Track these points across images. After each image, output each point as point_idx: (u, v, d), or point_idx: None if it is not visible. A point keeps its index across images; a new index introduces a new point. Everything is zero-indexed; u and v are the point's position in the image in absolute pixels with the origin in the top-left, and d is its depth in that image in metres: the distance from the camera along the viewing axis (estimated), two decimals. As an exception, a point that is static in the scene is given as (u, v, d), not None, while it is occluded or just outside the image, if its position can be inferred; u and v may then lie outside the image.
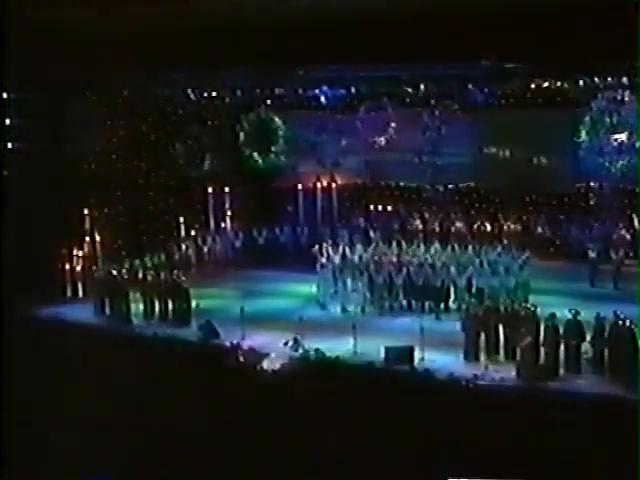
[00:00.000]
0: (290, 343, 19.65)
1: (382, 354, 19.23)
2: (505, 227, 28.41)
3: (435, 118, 29.95)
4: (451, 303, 23.04)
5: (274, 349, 19.73)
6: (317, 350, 19.68)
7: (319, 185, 31.84)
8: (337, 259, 25.70)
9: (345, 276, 24.62)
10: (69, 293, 25.74)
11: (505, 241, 27.12)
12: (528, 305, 19.72)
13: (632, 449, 14.05)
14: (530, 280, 23.46)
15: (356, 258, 25.90)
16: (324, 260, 25.35)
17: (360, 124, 31.00)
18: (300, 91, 30.77)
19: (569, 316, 18.60)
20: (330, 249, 26.17)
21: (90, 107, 27.46)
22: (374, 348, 19.57)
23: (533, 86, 27.80)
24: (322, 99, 30.97)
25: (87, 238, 27.08)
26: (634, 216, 26.72)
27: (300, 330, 20.25)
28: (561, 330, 18.41)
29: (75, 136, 26.52)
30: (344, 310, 23.18)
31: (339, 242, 28.12)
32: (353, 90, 30.39)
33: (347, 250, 26.70)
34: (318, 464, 16.48)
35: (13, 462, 16.26)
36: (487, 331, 19.39)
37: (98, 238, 27.12)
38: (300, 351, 19.55)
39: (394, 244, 26.51)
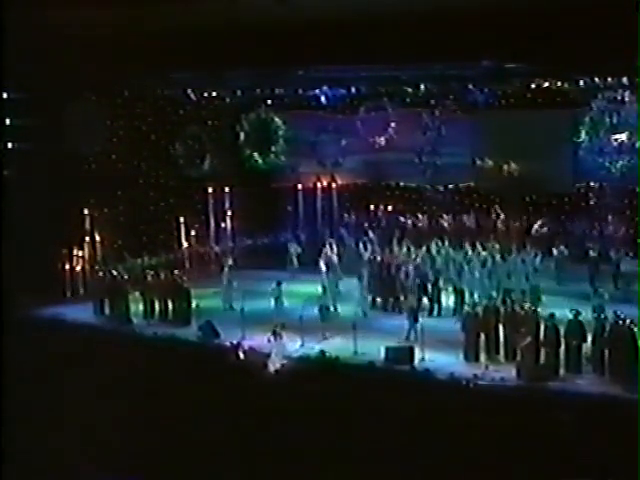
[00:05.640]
0: (272, 339, 19.63)
1: (382, 354, 19.24)
2: (505, 227, 28.39)
3: (435, 118, 29.99)
4: (450, 302, 23.06)
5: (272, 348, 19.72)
6: (318, 350, 19.76)
7: (319, 185, 31.85)
8: (337, 259, 25.77)
9: (345, 276, 24.67)
10: (69, 293, 25.75)
11: (505, 241, 27.12)
12: (528, 305, 19.71)
13: (632, 449, 14.04)
14: (530, 280, 23.48)
15: (356, 258, 25.95)
16: (325, 261, 25.47)
17: (360, 124, 31.03)
18: (300, 91, 30.80)
19: (569, 316, 18.61)
20: (330, 249, 26.25)
21: (90, 107, 27.44)
22: (374, 348, 19.58)
23: (533, 86, 27.82)
24: (322, 99, 31.01)
25: (87, 238, 27.09)
26: (634, 216, 26.70)
27: (300, 330, 20.27)
28: (561, 330, 18.42)
29: (75, 136, 26.50)
30: (343, 310, 23.18)
31: (339, 242, 28.19)
32: (353, 90, 30.43)
33: (347, 250, 26.77)
34: (318, 464, 16.47)
35: (13, 462, 16.25)
36: (487, 331, 19.40)
37: (98, 238, 27.12)
38: (280, 341, 19.52)
39: (394, 244, 26.54)
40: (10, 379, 17.97)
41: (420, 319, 20.52)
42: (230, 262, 25.65)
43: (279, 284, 22.97)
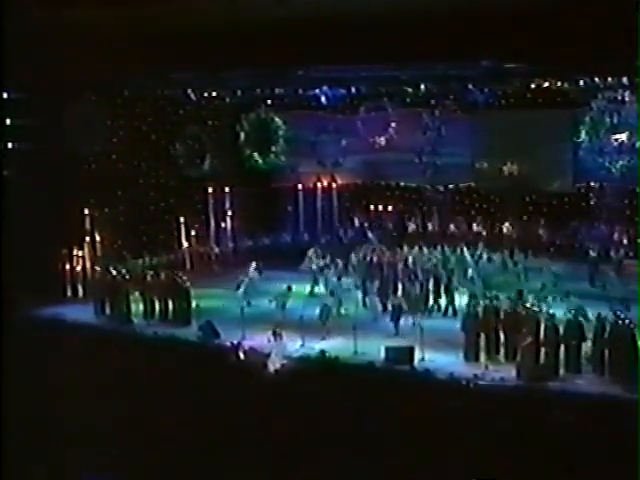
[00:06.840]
0: (272, 338, 19.64)
1: (382, 354, 19.25)
2: (505, 227, 28.40)
3: (435, 118, 29.98)
4: (444, 302, 23.05)
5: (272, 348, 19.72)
6: (318, 350, 19.76)
7: (319, 185, 31.87)
8: (337, 259, 25.75)
9: (345, 276, 24.65)
10: (69, 293, 25.75)
11: (505, 241, 27.12)
12: (528, 305, 19.71)
13: (632, 449, 14.04)
14: (530, 280, 23.49)
15: (356, 258, 25.94)
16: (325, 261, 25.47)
17: (360, 124, 31.03)
18: (300, 91, 30.78)
19: (569, 316, 18.61)
20: (330, 250, 26.26)
21: (90, 107, 27.44)
22: (374, 348, 19.58)
23: (533, 86, 27.81)
24: (322, 99, 31.00)
25: (87, 238, 27.09)
26: (634, 216, 26.70)
27: (300, 330, 20.27)
28: (561, 330, 18.42)
29: (75, 136, 26.50)
30: (343, 310, 23.15)
31: (339, 242, 28.21)
32: (353, 90, 30.40)
33: (347, 250, 26.74)
34: (318, 464, 16.49)
35: (13, 461, 16.26)
36: (487, 331, 19.39)
37: (98, 238, 27.12)
38: (280, 341, 19.53)
39: (394, 244, 26.53)
40: (10, 379, 18.00)
41: (402, 319, 20.53)
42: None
43: (290, 289, 22.93)
